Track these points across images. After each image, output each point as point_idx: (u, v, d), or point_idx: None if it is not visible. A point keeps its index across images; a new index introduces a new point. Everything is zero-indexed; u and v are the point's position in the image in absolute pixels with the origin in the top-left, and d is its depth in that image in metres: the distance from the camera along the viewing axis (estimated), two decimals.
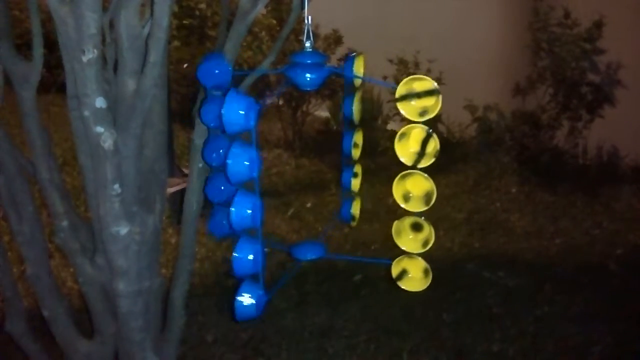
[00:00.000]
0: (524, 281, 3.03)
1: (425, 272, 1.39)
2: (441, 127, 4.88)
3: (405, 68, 4.52)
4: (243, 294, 1.37)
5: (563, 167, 4.37)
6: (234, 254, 1.37)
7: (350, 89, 1.79)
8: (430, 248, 1.39)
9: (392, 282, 2.99)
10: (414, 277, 1.38)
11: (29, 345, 1.93)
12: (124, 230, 1.60)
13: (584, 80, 4.26)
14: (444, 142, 4.72)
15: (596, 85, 4.26)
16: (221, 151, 1.52)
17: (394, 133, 5.15)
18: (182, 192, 1.46)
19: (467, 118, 4.75)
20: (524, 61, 4.46)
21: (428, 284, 1.40)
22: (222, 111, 1.29)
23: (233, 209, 1.36)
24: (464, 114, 4.69)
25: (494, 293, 2.92)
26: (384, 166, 4.53)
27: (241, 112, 1.30)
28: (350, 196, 1.89)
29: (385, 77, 4.41)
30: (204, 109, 1.54)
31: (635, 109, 4.25)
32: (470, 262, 3.23)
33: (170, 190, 3.06)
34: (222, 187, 1.56)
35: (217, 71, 1.52)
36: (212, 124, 1.54)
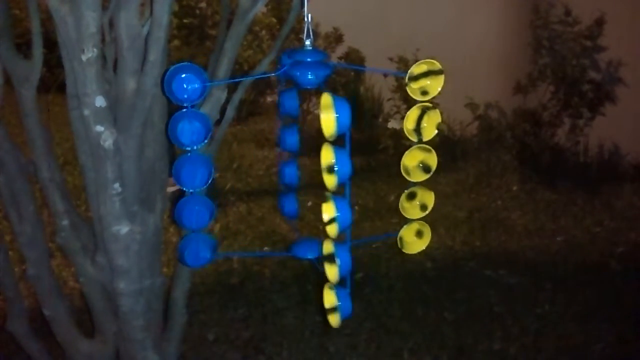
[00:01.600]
0: (525, 279, 3.03)
1: (418, 233, 1.45)
2: (442, 126, 4.89)
3: (406, 66, 4.51)
4: (340, 298, 1.38)
5: (564, 165, 4.36)
6: (338, 261, 1.37)
7: (288, 82, 1.61)
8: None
9: (392, 281, 2.98)
10: (409, 241, 1.46)
11: (31, 344, 1.93)
12: (124, 229, 1.60)
13: (585, 78, 4.24)
14: (445, 140, 4.76)
15: (597, 83, 4.25)
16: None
17: (394, 131, 5.12)
18: (183, 192, 1.44)
19: (468, 116, 4.74)
20: (525, 59, 4.45)
21: (426, 244, 1.46)
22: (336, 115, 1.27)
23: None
24: (464, 112, 4.69)
25: (495, 291, 2.92)
26: (384, 164, 4.53)
27: (348, 115, 1.28)
28: (291, 191, 1.89)
29: (385, 75, 4.41)
30: (181, 128, 1.33)
31: (636, 106, 4.25)
32: (471, 260, 3.23)
33: (171, 189, 3.05)
34: (197, 207, 1.44)
35: (196, 84, 1.32)
36: (194, 144, 1.35)
